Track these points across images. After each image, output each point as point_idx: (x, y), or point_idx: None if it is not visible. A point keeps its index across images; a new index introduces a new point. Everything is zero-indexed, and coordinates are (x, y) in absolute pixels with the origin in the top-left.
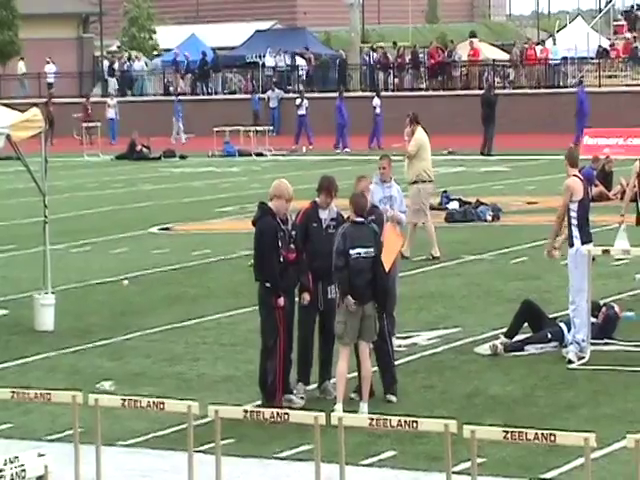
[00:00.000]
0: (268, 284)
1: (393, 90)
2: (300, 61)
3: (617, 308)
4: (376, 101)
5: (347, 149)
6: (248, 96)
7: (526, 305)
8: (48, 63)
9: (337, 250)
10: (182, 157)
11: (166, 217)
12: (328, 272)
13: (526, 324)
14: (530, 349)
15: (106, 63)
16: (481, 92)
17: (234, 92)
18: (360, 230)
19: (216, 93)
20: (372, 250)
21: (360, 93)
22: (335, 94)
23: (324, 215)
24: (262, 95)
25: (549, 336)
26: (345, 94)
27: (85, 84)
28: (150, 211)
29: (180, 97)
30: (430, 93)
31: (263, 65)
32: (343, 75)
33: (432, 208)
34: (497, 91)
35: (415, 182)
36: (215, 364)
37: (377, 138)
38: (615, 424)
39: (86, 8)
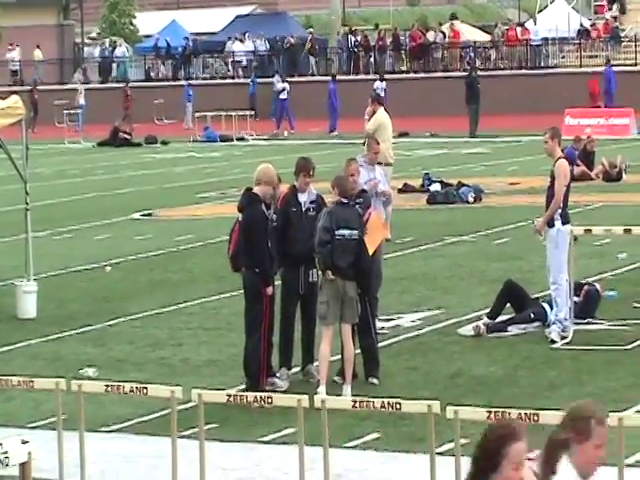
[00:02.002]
0: (258, 270)
1: (374, 73)
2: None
3: (598, 286)
4: (378, 84)
5: (335, 132)
6: (230, 81)
7: (508, 286)
8: (37, 49)
9: (323, 226)
10: (164, 143)
11: (148, 203)
12: (309, 256)
13: (509, 305)
14: (513, 329)
15: (87, 49)
16: (464, 74)
17: (214, 77)
18: (345, 212)
19: (197, 78)
20: (356, 232)
21: (363, 76)
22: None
23: (303, 198)
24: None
25: (532, 316)
26: (350, 77)
27: (66, 71)
28: (132, 197)
29: (190, 81)
30: (411, 75)
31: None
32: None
33: (414, 190)
34: (479, 72)
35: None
36: (198, 349)
37: None
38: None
39: None
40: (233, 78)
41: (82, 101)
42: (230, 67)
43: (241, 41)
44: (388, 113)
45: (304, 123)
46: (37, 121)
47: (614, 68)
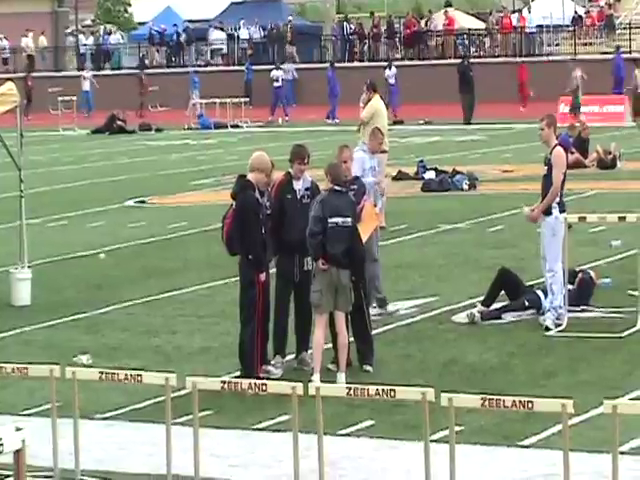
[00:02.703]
0: (251, 257)
1: (369, 60)
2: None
3: (593, 274)
4: (388, 72)
5: (337, 120)
6: (225, 68)
7: (502, 273)
8: (26, 36)
9: (315, 216)
10: (158, 130)
11: (142, 190)
12: (304, 244)
13: (503, 292)
14: (507, 317)
15: (81, 37)
16: (458, 61)
17: (207, 65)
18: (339, 199)
19: (192, 66)
20: (350, 220)
21: (357, 63)
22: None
23: (298, 186)
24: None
25: (526, 304)
26: (345, 64)
27: (60, 58)
28: (126, 184)
29: (196, 69)
30: (405, 63)
31: (238, 37)
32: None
33: (409, 177)
34: (473, 60)
35: None
36: (193, 336)
37: (392, 108)
38: (592, 390)
39: None
40: (228, 65)
41: (86, 87)
42: (209, 55)
43: (221, 29)
44: (383, 99)
45: (298, 110)
46: (31, 109)
47: (605, 55)
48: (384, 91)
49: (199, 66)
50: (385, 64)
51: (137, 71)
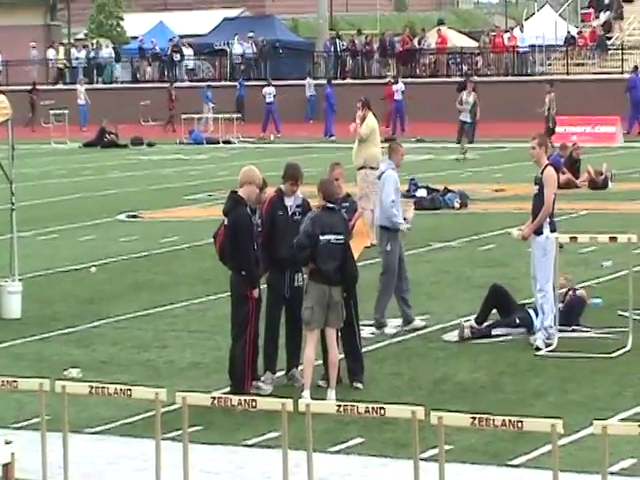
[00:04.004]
0: (244, 273)
1: (362, 77)
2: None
3: (582, 292)
4: (396, 87)
5: (334, 136)
6: (217, 83)
7: (494, 290)
8: (53, 48)
9: (304, 230)
10: (150, 145)
11: (134, 204)
12: (294, 260)
13: (495, 310)
14: (496, 331)
15: (74, 51)
16: (448, 80)
17: (202, 80)
18: (331, 216)
19: (182, 81)
20: (342, 237)
21: (350, 80)
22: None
23: (289, 202)
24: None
25: (517, 321)
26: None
27: (52, 71)
28: (118, 198)
29: (210, 83)
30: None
31: (231, 53)
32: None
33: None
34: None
35: (363, 167)
36: (183, 351)
37: (401, 124)
38: (582, 411)
39: None
40: (220, 80)
41: (81, 101)
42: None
43: (190, 45)
44: (375, 117)
45: (290, 126)
46: (33, 121)
47: (598, 75)
48: (389, 107)
49: (191, 81)
50: (379, 81)
51: (167, 85)
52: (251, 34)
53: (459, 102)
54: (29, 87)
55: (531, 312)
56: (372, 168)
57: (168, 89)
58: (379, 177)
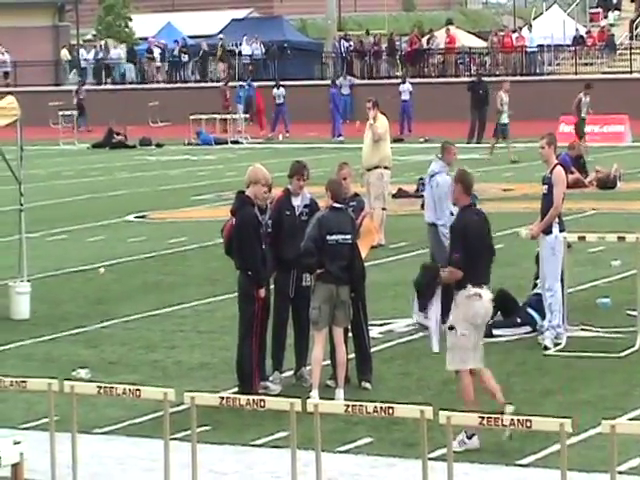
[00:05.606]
0: (250, 273)
1: (369, 78)
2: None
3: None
4: (403, 87)
5: (342, 137)
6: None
7: (500, 295)
8: (63, 49)
9: (310, 235)
10: (158, 145)
11: (142, 205)
12: (301, 264)
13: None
14: (498, 332)
15: (82, 52)
16: (456, 80)
17: (212, 80)
18: (338, 216)
19: (191, 81)
20: (350, 236)
21: (359, 81)
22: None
23: (297, 202)
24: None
25: (518, 321)
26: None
27: (61, 73)
28: (126, 199)
29: (242, 83)
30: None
31: (240, 53)
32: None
33: (409, 195)
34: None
35: (377, 167)
36: (192, 351)
37: (408, 124)
38: (590, 410)
39: None
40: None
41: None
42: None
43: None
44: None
45: (298, 126)
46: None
47: (606, 75)
48: (396, 107)
49: (198, 82)
50: (386, 82)
51: (221, 84)
52: (256, 36)
53: (500, 104)
54: (38, 88)
55: (529, 310)
56: (386, 168)
57: (222, 88)
58: (431, 176)
